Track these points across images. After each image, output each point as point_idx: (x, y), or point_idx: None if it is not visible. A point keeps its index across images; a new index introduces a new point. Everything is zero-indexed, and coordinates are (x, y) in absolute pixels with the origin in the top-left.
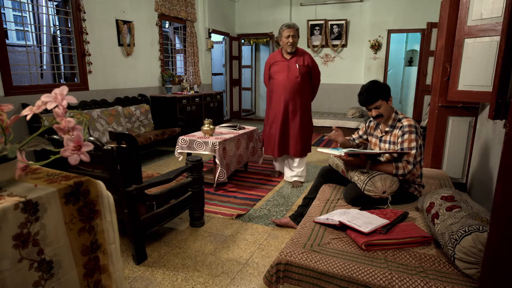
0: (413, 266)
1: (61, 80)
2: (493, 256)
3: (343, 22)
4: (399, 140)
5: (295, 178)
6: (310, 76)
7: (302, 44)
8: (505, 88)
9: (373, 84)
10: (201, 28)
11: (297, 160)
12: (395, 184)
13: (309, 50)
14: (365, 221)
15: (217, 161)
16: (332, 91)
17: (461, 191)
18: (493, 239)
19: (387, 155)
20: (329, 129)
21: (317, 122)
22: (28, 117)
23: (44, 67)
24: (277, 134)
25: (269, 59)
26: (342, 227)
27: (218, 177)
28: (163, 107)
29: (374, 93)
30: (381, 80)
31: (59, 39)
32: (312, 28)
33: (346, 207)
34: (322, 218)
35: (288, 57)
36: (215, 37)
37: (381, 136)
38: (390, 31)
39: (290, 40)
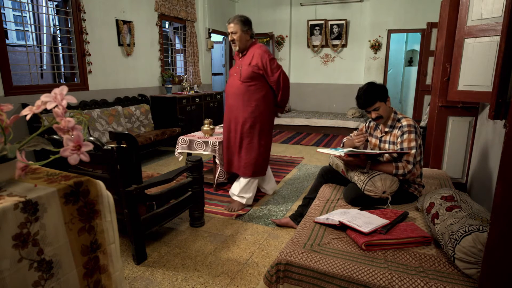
0: (413, 266)
1: (61, 80)
2: (493, 256)
3: (343, 22)
4: (399, 140)
5: (235, 197)
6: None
7: (302, 44)
8: (505, 88)
9: (370, 86)
10: (201, 28)
11: (241, 178)
12: (395, 184)
13: (309, 50)
14: (365, 221)
15: (217, 161)
16: (332, 91)
17: (461, 191)
18: (493, 239)
19: (387, 155)
20: (329, 129)
21: (317, 122)
22: (28, 117)
23: (44, 67)
24: (224, 146)
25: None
26: (342, 227)
27: (218, 177)
28: (163, 107)
29: (371, 96)
30: (381, 80)
31: (59, 39)
32: (312, 28)
33: (346, 207)
34: (322, 218)
35: (240, 55)
36: (215, 37)
37: (381, 137)
38: (390, 31)
39: (230, 38)
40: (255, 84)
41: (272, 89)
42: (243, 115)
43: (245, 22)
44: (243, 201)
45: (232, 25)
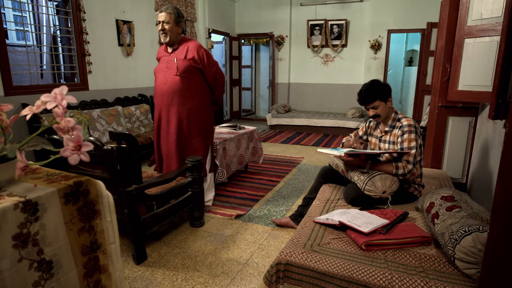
0: (413, 266)
1: (61, 80)
2: (493, 256)
3: (343, 22)
4: (399, 140)
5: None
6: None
7: (302, 44)
8: (505, 88)
9: (373, 83)
10: (201, 28)
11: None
12: (395, 184)
13: (309, 50)
14: (365, 221)
15: (216, 161)
16: (332, 91)
17: (461, 191)
18: (493, 239)
19: (387, 155)
20: (329, 129)
21: (317, 122)
22: (28, 117)
23: (44, 67)
24: (158, 148)
25: (157, 53)
26: (342, 227)
27: (217, 177)
28: None
29: (372, 93)
30: (381, 80)
31: (59, 39)
32: (312, 28)
33: (346, 207)
34: (322, 218)
35: (170, 50)
36: (215, 37)
37: (381, 136)
38: (390, 31)
39: (159, 27)
40: (193, 79)
41: (207, 86)
42: (183, 113)
43: (180, 14)
44: (210, 203)
45: (165, 14)
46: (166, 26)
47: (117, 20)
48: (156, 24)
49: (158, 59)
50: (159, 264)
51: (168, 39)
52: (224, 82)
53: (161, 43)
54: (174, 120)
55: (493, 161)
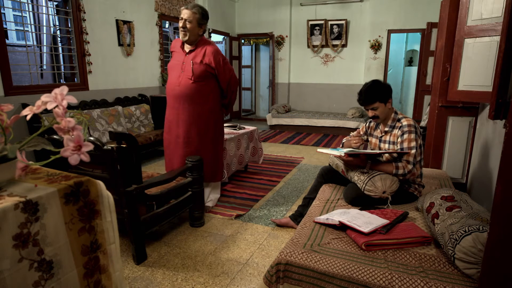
0: (413, 266)
1: (61, 80)
2: (493, 256)
3: (343, 22)
4: (399, 140)
5: (209, 203)
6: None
7: (302, 44)
8: (505, 88)
9: (373, 84)
10: None
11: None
12: (395, 184)
13: (309, 50)
14: (365, 221)
15: None
16: (332, 91)
17: (461, 191)
18: (493, 239)
19: (387, 155)
20: (329, 129)
21: (317, 122)
22: (28, 117)
23: (44, 67)
24: (167, 146)
25: (171, 45)
26: (342, 227)
27: None
28: (163, 107)
29: (372, 95)
30: (381, 80)
31: (59, 39)
32: (312, 28)
33: (346, 207)
34: (322, 218)
35: (187, 49)
36: (215, 37)
37: (381, 136)
38: (390, 31)
39: (180, 24)
40: (206, 84)
41: (219, 90)
42: (193, 117)
43: (204, 16)
44: (212, 203)
45: (189, 12)
46: (188, 25)
47: (117, 20)
48: (179, 20)
49: (171, 52)
50: (159, 264)
51: (187, 38)
52: (237, 87)
53: (161, 43)
54: (184, 123)
55: (493, 161)
